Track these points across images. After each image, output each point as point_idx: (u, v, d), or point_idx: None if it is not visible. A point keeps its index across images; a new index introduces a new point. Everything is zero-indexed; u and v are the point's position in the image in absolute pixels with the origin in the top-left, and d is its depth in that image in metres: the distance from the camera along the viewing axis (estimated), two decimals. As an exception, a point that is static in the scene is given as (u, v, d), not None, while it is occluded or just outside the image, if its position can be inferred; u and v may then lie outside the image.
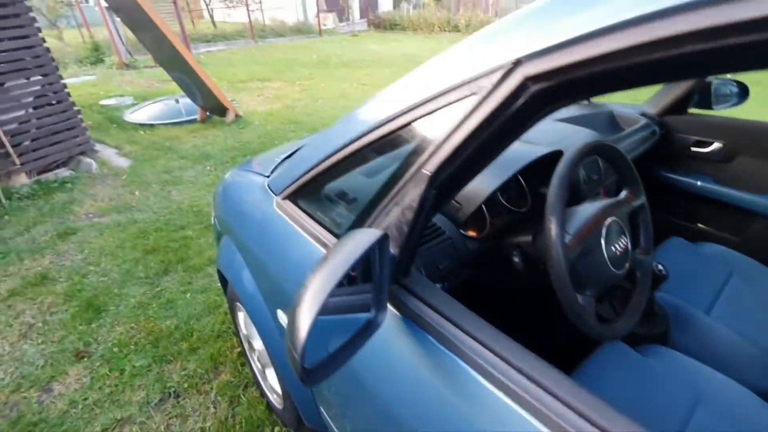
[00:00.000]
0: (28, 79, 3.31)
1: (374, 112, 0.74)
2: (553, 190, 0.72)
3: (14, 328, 2.00)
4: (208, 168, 3.78)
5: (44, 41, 3.36)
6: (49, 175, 3.53)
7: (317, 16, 15.39)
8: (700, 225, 1.71)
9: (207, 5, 15.80)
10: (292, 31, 15.17)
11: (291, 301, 0.88)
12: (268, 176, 1.18)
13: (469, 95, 0.51)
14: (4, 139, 3.17)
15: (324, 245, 0.82)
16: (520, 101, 0.47)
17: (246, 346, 1.59)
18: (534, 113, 0.49)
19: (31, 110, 3.36)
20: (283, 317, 0.94)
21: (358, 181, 0.80)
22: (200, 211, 3.02)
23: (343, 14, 17.41)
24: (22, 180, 3.35)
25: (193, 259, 2.47)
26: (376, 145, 0.70)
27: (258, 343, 1.40)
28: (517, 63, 0.46)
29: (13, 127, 3.26)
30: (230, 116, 4.99)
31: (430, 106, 0.58)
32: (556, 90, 0.45)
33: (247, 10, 13.60)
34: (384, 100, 0.75)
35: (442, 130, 0.56)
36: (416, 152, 0.60)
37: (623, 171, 0.91)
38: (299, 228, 0.90)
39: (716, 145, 1.59)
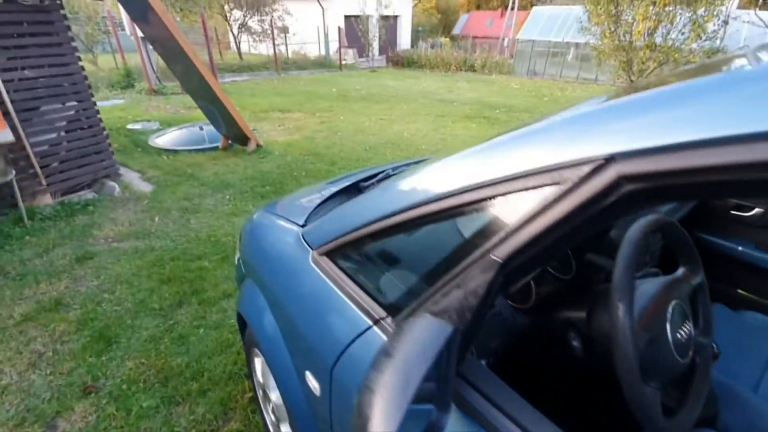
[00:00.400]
0: (63, 104, 3.43)
1: (431, 183, 0.72)
2: (622, 264, 0.66)
3: (24, 356, 1.96)
4: (228, 197, 3.81)
5: (83, 69, 3.50)
6: (73, 197, 3.58)
7: (338, 51, 15.99)
8: (741, 291, 1.63)
9: (235, 37, 16.56)
10: (314, 64, 15.76)
11: (322, 365, 0.84)
12: (302, 225, 1.16)
13: (551, 184, 0.49)
14: (34, 160, 3.25)
15: (365, 311, 0.78)
16: (611, 199, 0.44)
17: (260, 393, 1.52)
18: (625, 211, 0.46)
19: (63, 133, 3.46)
20: (312, 381, 0.89)
21: (409, 251, 0.77)
22: (218, 241, 3.02)
23: (363, 50, 18.07)
24: (46, 200, 3.41)
25: (207, 291, 2.43)
26: (433, 218, 0.67)
27: (275, 395, 1.33)
28: (611, 159, 0.43)
29: (44, 149, 3.35)
30: (252, 146, 5.09)
31: (501, 189, 0.55)
32: (653, 192, 0.42)
33: (273, 43, 14.22)
34: (442, 171, 0.72)
35: (515, 216, 0.53)
36: (482, 234, 0.57)
37: (684, 248, 0.87)
38: (336, 288, 0.87)
39: (757, 210, 1.54)
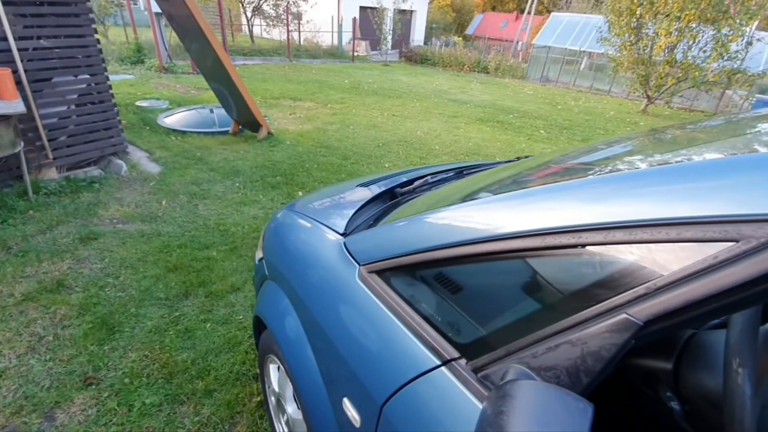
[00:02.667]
0: (76, 76, 3.32)
1: (525, 213, 0.63)
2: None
3: (23, 338, 1.88)
4: (237, 184, 3.72)
5: (98, 42, 3.39)
6: (79, 173, 3.49)
7: (352, 42, 15.80)
8: None
9: (248, 20, 16.33)
10: (326, 54, 15.57)
11: (369, 398, 0.76)
12: (343, 234, 1.08)
13: (722, 240, 0.41)
14: (42, 132, 3.15)
15: (431, 347, 0.69)
16: None
17: (272, 401, 1.45)
18: None
19: (73, 107, 3.36)
20: (352, 410, 0.81)
21: (491, 286, 0.69)
22: (227, 230, 2.93)
23: (377, 43, 17.87)
24: (51, 174, 3.31)
25: (215, 283, 2.35)
26: (528, 254, 0.59)
27: (292, 408, 1.26)
28: None
29: (53, 121, 3.24)
30: (263, 133, 4.99)
31: (641, 235, 0.47)
32: None
33: (287, 29, 14.02)
34: (541, 200, 0.64)
35: (662, 270, 0.45)
36: (608, 286, 0.49)
37: None
38: (392, 313, 0.79)
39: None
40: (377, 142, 5.39)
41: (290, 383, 1.18)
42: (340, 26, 16.99)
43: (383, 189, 1.41)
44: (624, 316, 0.46)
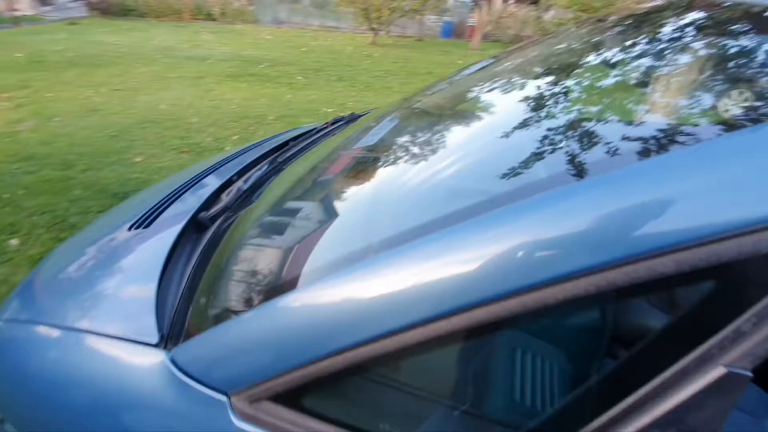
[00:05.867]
0: None
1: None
2: None
3: None
4: None
5: None
6: None
7: (1, -5, 11.04)
8: None
9: None
10: (-41, 14, 10.43)
11: None
12: (160, 343, 0.58)
13: None
14: None
15: None
16: None
17: None
18: None
19: None
20: None
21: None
22: None
23: (45, -6, 13.09)
24: None
25: None
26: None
27: None
28: None
29: None
30: None
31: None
32: None
33: None
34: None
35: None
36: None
37: None
38: None
39: None
40: (108, 132, 4.04)
41: None
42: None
43: (181, 219, 0.86)
44: (731, 371, 0.34)
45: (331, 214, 0.73)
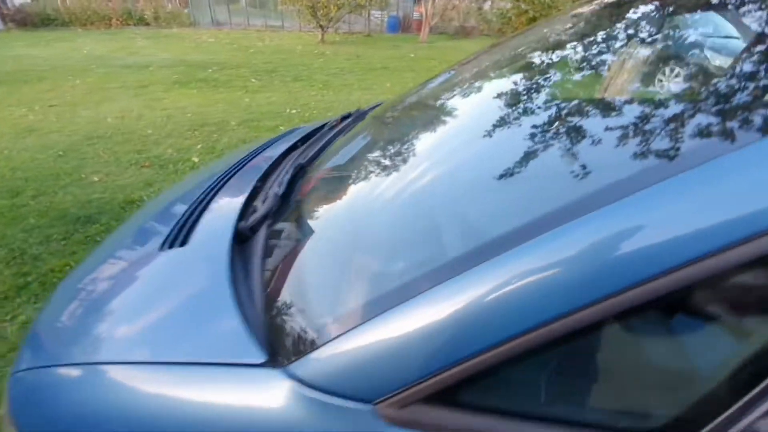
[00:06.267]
0: None
1: None
2: None
3: None
4: None
5: None
6: None
7: None
8: None
9: None
10: None
11: None
12: (272, 365, 0.53)
13: None
14: None
15: None
16: None
17: None
18: None
19: None
20: None
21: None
22: None
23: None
24: None
25: None
26: None
27: None
28: None
29: None
30: None
31: None
32: None
33: None
34: None
35: None
36: None
37: None
38: None
39: None
40: (53, 152, 3.70)
41: None
42: None
43: (219, 232, 0.79)
44: None
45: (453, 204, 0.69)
